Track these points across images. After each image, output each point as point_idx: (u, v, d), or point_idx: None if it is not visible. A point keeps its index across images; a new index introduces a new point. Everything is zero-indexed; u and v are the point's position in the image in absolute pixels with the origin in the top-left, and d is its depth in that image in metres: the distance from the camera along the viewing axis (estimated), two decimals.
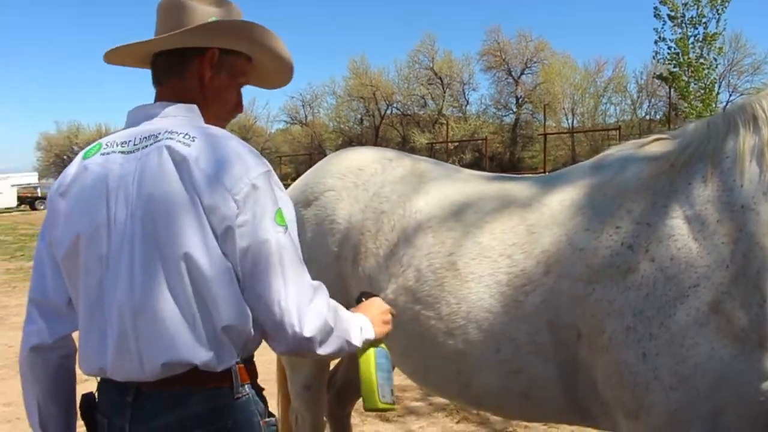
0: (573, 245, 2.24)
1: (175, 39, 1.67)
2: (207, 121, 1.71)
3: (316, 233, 2.79)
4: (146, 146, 1.59)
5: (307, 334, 1.55)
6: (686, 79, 22.05)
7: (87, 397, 1.72)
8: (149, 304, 1.51)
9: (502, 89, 54.47)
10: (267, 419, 1.64)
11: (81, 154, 1.71)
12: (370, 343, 1.82)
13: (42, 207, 47.31)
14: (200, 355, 1.51)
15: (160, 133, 1.59)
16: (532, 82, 52.16)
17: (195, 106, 1.70)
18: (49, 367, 1.74)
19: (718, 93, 25.18)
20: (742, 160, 2.11)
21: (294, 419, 3.32)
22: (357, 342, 1.70)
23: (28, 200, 49.30)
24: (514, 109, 53.64)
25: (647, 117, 46.08)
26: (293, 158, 53.17)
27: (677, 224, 2.10)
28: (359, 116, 58.08)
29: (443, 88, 54.13)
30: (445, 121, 48.69)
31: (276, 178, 1.61)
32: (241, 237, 1.51)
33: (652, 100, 47.01)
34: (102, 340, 1.58)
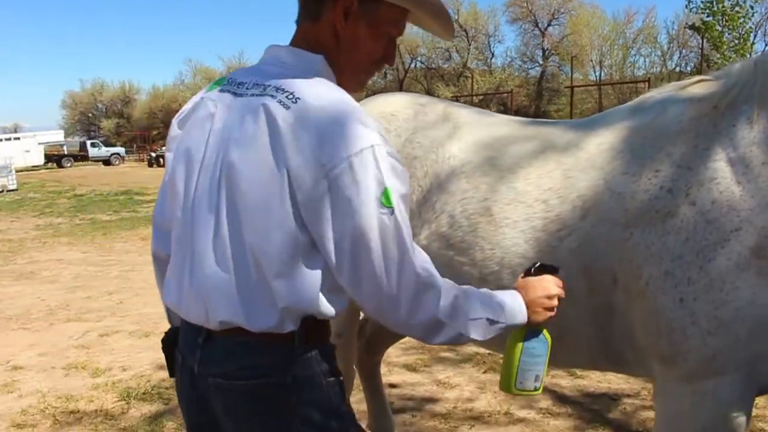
0: (611, 189, 2.19)
1: None
2: (342, 73, 1.60)
3: None
4: (253, 95, 1.51)
5: (412, 326, 1.49)
6: (720, 28, 21.38)
7: (171, 331, 1.77)
8: (220, 262, 1.49)
9: (528, 41, 53.64)
10: (330, 378, 1.57)
11: (208, 85, 1.70)
12: (522, 329, 1.68)
13: (68, 164, 47.87)
14: (257, 323, 1.49)
15: (268, 86, 1.49)
16: (559, 34, 51.18)
17: (321, 58, 1.57)
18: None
19: (753, 43, 24.44)
20: None
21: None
22: (478, 336, 1.54)
23: (54, 158, 49.91)
24: (540, 62, 52.79)
25: (677, 69, 45.08)
26: None
27: (720, 167, 2.05)
28: (383, 70, 57.57)
29: (468, 41, 53.33)
30: (469, 75, 48.09)
31: (388, 148, 1.44)
32: (337, 219, 1.39)
33: (683, 51, 45.96)
34: (181, 274, 1.60)
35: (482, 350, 5.43)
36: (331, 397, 1.57)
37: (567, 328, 2.27)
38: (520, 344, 1.69)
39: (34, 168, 46.64)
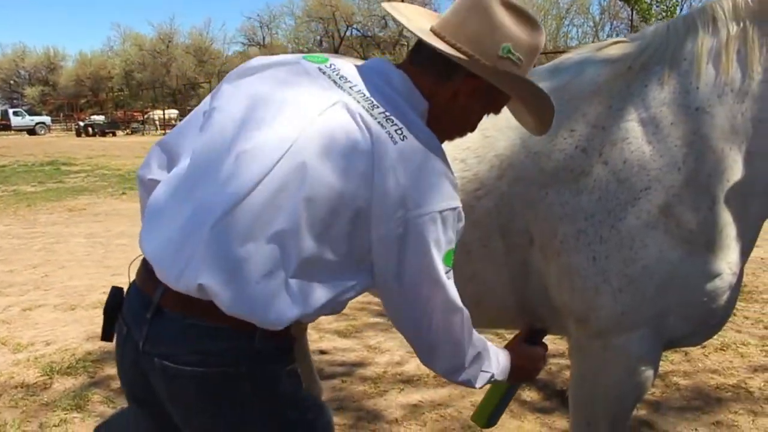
0: (527, 149, 2.20)
1: (448, 53, 1.53)
2: (432, 126, 1.56)
3: None
4: (359, 103, 1.47)
5: (436, 367, 1.61)
6: (649, 0, 21.90)
7: (116, 291, 1.63)
8: (237, 231, 1.38)
9: None
10: (288, 368, 1.53)
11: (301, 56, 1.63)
12: (505, 385, 1.94)
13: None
14: (241, 307, 1.39)
15: (376, 106, 1.46)
16: None
17: (428, 105, 1.58)
18: None
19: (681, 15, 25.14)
20: (699, 62, 2.07)
21: None
22: (479, 385, 1.68)
23: None
24: None
25: (609, 39, 46.01)
26: None
27: (631, 127, 2.08)
28: (318, 38, 56.83)
29: None
30: (406, 43, 47.90)
31: (461, 211, 1.52)
32: (406, 263, 1.43)
33: (614, 22, 46.87)
34: (170, 222, 1.46)
35: None
36: (288, 387, 1.53)
37: (486, 289, 2.29)
38: (503, 392, 1.97)
39: None
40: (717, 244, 2.02)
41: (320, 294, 1.44)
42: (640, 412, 3.85)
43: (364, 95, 1.49)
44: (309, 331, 4.07)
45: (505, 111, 2.32)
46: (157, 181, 1.59)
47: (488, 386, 1.88)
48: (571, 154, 2.12)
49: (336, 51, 53.35)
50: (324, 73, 1.55)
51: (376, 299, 5.89)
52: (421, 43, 1.58)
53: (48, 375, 4.48)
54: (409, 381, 4.31)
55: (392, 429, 3.70)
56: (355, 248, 1.44)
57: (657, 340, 2.13)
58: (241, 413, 1.47)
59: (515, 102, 1.71)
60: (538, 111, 1.70)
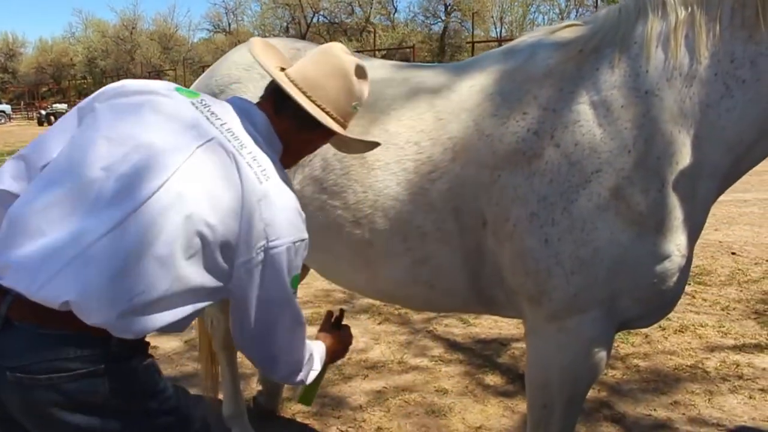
0: (480, 131, 2.20)
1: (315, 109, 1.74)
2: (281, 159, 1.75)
3: None
4: (230, 142, 1.60)
5: (277, 376, 1.83)
6: None
7: None
8: (105, 252, 1.43)
9: None
10: (145, 362, 1.58)
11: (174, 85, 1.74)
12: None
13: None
14: (107, 323, 1.45)
15: (244, 146, 1.61)
16: None
17: (281, 147, 1.75)
18: None
19: None
20: (648, 46, 2.08)
21: (209, 322, 3.28)
22: (308, 381, 1.90)
23: None
24: (443, 18, 52.90)
25: (563, 23, 46.28)
26: None
27: (583, 110, 2.09)
28: (285, 24, 56.18)
29: None
30: (372, 30, 47.67)
31: (307, 243, 1.70)
32: (263, 286, 1.61)
33: (580, 9, 47.10)
34: (38, 234, 1.46)
35: (378, 303, 5.48)
36: (146, 380, 1.58)
37: (440, 271, 2.29)
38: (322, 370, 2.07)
39: None
40: (666, 226, 2.04)
41: (179, 312, 1.54)
42: (600, 393, 3.90)
43: (233, 134, 1.62)
44: None
45: (459, 94, 2.33)
46: (12, 193, 1.62)
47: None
48: (523, 137, 2.12)
49: (303, 37, 52.91)
50: (197, 108, 1.65)
51: (340, 287, 5.90)
52: (288, 98, 1.73)
53: None
54: (373, 367, 4.32)
55: (357, 415, 3.70)
56: (219, 273, 1.57)
57: (609, 321, 2.15)
58: (102, 412, 1.50)
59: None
60: (366, 147, 1.98)
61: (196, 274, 1.52)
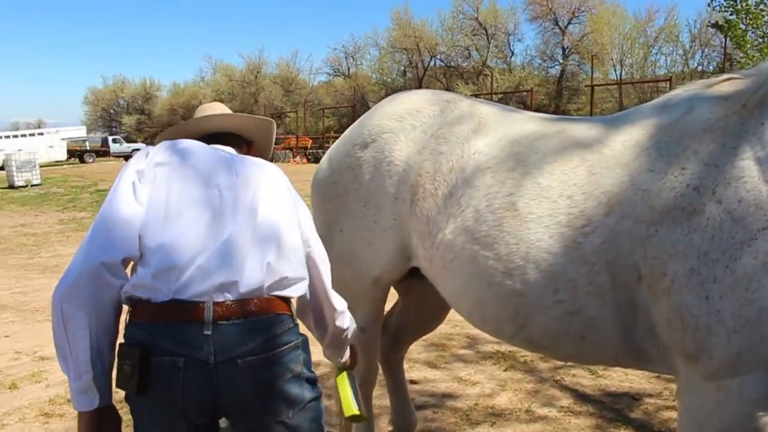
0: (636, 186, 2.20)
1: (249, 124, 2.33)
2: None
3: (374, 175, 2.80)
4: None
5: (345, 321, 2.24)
6: (744, 27, 21.03)
7: (133, 346, 1.76)
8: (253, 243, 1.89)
9: (548, 40, 53.27)
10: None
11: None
12: (342, 367, 2.40)
13: (90, 160, 48.37)
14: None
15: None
16: (579, 32, 50.78)
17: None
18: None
19: None
20: None
21: None
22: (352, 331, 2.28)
23: (77, 153, 50.40)
24: (560, 60, 52.45)
25: (700, 68, 44.52)
26: (336, 111, 53.13)
27: (747, 165, 2.04)
28: (402, 68, 57.49)
29: (488, 39, 53.15)
30: (489, 73, 48.00)
31: None
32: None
33: (706, 50, 45.46)
34: (204, 250, 1.83)
35: (503, 348, 5.45)
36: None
37: (592, 323, 2.28)
38: (347, 381, 2.35)
39: (57, 163, 47.18)
40: None
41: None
42: None
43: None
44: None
45: (613, 149, 2.34)
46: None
47: (339, 387, 2.38)
48: (682, 193, 2.10)
49: (420, 80, 53.90)
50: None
51: (465, 330, 5.89)
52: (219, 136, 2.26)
53: None
54: (500, 415, 4.28)
55: None
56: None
57: None
58: (300, 381, 1.90)
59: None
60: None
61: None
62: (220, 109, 2.37)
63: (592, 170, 2.30)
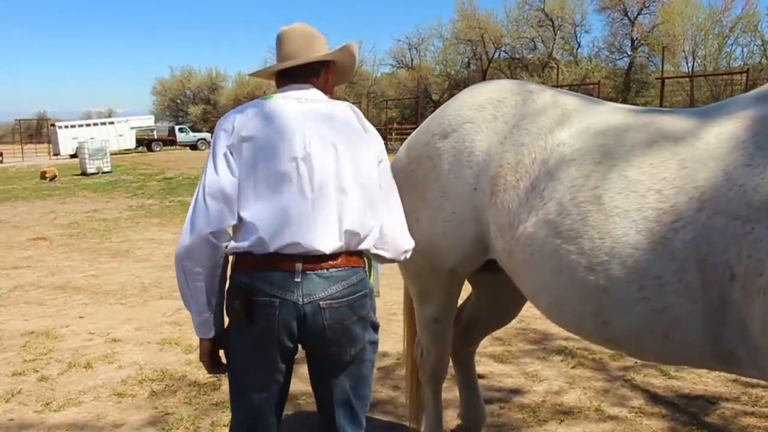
0: (731, 181, 2.10)
1: (328, 55, 2.43)
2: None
3: (454, 165, 2.77)
4: (315, 100, 2.35)
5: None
6: None
7: (241, 289, 2.18)
8: (351, 205, 2.25)
9: (617, 31, 51.74)
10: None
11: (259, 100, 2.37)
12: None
13: (158, 149, 49.72)
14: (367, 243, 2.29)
15: (318, 98, 2.38)
16: (649, 23, 49.15)
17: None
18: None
19: None
20: None
21: (419, 352, 3.36)
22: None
23: (145, 142, 51.87)
24: (629, 52, 51.01)
25: None
26: (398, 102, 53.04)
27: None
28: (466, 60, 56.93)
29: (554, 30, 52.09)
30: (555, 65, 47.12)
31: None
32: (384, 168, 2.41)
33: None
34: (304, 214, 2.19)
35: (571, 344, 5.35)
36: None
37: (677, 323, 2.20)
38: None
39: (126, 151, 48.69)
40: None
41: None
42: None
43: (303, 97, 2.41)
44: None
45: (706, 142, 2.25)
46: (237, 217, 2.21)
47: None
48: None
49: (484, 72, 53.30)
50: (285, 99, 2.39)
51: (532, 325, 5.81)
52: (292, 70, 2.45)
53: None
54: (569, 412, 4.20)
55: None
56: None
57: None
58: (366, 326, 2.29)
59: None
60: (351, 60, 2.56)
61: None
62: (300, 40, 2.44)
63: (684, 164, 2.22)
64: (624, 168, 2.32)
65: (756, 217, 2.02)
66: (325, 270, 2.17)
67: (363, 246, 2.25)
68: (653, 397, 4.47)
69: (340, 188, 2.21)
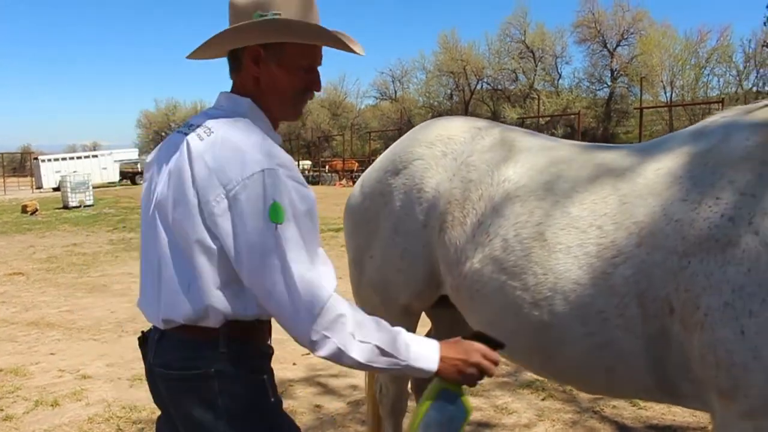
0: (668, 216, 2.14)
1: (219, 41, 1.79)
2: (272, 109, 1.83)
3: (404, 202, 2.79)
4: (185, 133, 1.77)
5: (295, 332, 1.66)
6: None
7: (144, 334, 1.94)
8: (163, 271, 1.75)
9: (597, 62, 52.60)
10: (252, 375, 1.75)
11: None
12: (437, 386, 1.74)
13: (142, 181, 49.61)
14: (180, 314, 1.73)
15: (196, 126, 1.76)
16: (628, 54, 50.04)
17: (247, 101, 1.81)
18: None
19: None
20: None
21: (378, 388, 3.36)
22: (360, 357, 1.64)
23: (129, 175, 51.76)
24: (609, 83, 51.79)
25: (755, 89, 43.30)
26: (382, 134, 53.37)
27: None
28: (449, 91, 57.61)
29: (535, 62, 52.90)
30: (536, 96, 47.72)
31: (286, 171, 1.64)
32: (236, 233, 1.62)
33: (761, 70, 44.29)
34: (145, 282, 1.88)
35: (542, 378, 5.34)
36: (252, 391, 1.74)
37: (621, 356, 2.22)
38: (429, 402, 1.73)
39: (110, 184, 48.52)
40: None
41: (220, 286, 1.73)
42: None
43: (191, 126, 1.78)
44: None
45: (645, 178, 2.29)
46: None
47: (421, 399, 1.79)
48: (717, 223, 2.04)
49: (467, 104, 53.87)
50: (178, 132, 1.83)
51: (503, 358, 5.81)
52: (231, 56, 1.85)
53: None
54: None
55: None
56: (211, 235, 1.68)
57: None
58: (211, 407, 1.71)
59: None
60: (324, 40, 1.83)
61: (210, 242, 1.67)
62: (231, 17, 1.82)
63: (624, 199, 2.26)
64: (566, 204, 2.35)
65: (692, 252, 2.06)
66: (166, 336, 1.85)
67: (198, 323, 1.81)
68: (622, 428, 4.47)
69: (167, 257, 1.83)
